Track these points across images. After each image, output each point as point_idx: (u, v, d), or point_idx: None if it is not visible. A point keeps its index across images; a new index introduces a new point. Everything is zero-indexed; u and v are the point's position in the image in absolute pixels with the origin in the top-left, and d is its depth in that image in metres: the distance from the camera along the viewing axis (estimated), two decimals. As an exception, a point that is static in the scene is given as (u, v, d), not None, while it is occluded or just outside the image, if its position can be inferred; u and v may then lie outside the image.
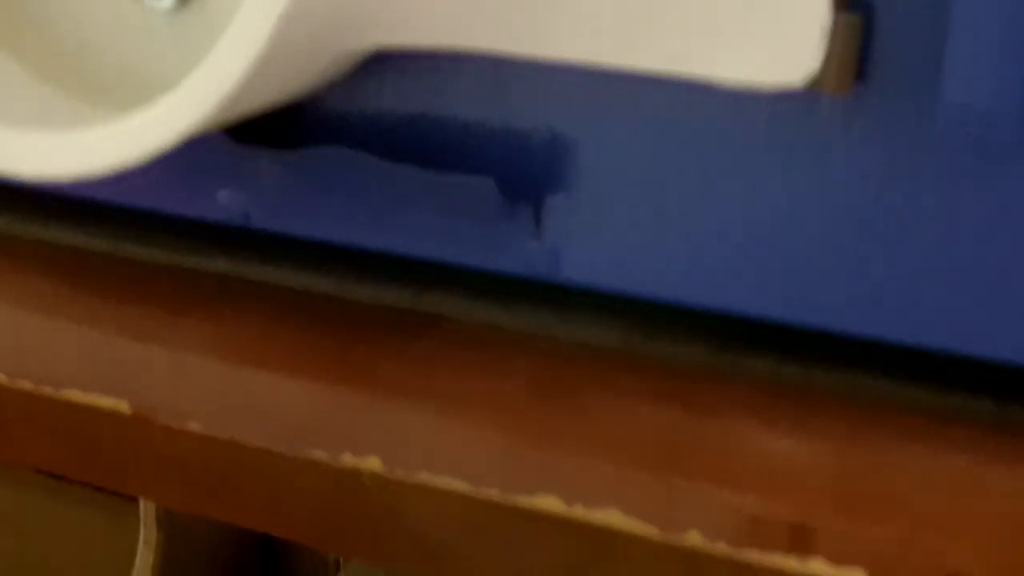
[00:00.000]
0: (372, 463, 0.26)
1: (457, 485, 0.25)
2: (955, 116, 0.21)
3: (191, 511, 0.33)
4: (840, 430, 0.24)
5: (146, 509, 0.48)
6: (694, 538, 0.23)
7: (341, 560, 0.53)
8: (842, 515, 0.22)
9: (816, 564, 0.22)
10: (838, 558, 0.22)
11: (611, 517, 0.24)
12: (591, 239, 0.25)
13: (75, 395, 0.29)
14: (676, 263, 0.25)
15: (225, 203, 0.28)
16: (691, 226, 0.24)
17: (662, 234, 0.25)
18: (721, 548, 0.22)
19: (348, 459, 0.26)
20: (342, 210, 0.26)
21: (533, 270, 0.25)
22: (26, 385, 0.29)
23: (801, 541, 0.22)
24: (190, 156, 0.28)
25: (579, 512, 0.24)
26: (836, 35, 0.21)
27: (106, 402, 0.28)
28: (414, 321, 0.27)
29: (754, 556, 0.22)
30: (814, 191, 0.23)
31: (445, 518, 0.26)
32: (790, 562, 0.22)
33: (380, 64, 0.26)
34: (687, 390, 0.25)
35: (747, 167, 0.24)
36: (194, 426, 0.28)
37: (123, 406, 0.28)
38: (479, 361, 0.27)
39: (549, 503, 0.24)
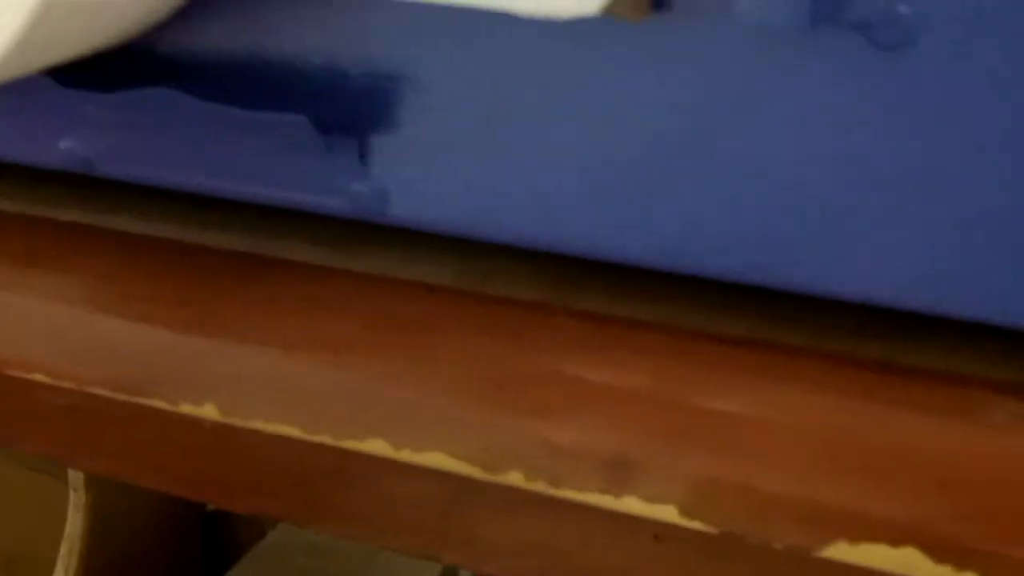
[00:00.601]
0: (209, 410, 0.26)
1: (291, 431, 0.25)
2: (751, 35, 0.21)
3: (54, 459, 0.33)
4: (671, 365, 0.24)
5: (75, 473, 0.48)
6: (515, 478, 0.22)
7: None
8: (660, 451, 0.22)
9: (630, 501, 0.21)
10: (652, 496, 0.21)
11: (436, 459, 0.23)
12: (419, 177, 0.25)
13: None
14: (505, 201, 0.24)
15: (66, 150, 0.27)
16: (517, 162, 0.24)
17: (490, 171, 0.24)
18: (540, 487, 0.22)
19: (186, 407, 0.26)
20: (169, 152, 0.26)
21: (361, 210, 0.25)
22: None
23: (617, 479, 0.22)
24: (31, 103, 0.27)
25: (406, 455, 0.24)
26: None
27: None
28: (254, 265, 0.27)
29: (571, 494, 0.22)
30: (632, 120, 0.23)
31: (284, 464, 0.25)
32: (605, 500, 0.22)
33: (204, 3, 0.25)
34: (521, 327, 0.25)
35: (568, 99, 0.23)
36: (40, 376, 0.27)
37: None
38: (316, 304, 0.26)
39: (377, 446, 0.24)
